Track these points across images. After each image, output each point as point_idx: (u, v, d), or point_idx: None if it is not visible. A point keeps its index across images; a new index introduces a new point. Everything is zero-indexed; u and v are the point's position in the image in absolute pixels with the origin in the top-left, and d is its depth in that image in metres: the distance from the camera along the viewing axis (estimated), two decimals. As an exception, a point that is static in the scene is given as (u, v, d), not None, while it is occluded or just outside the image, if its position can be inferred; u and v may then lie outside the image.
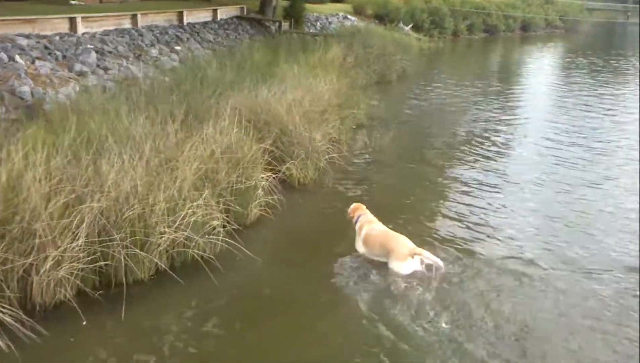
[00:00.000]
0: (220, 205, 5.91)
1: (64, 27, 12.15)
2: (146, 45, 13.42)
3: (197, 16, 17.70)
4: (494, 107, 14.19)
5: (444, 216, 7.10)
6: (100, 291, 4.86)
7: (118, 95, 9.27)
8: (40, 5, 13.92)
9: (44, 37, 11.21)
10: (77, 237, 4.67)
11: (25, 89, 8.46)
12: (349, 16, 29.76)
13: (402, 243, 5.54)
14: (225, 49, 15.86)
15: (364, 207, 6.08)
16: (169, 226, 5.18)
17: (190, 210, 5.35)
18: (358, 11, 31.68)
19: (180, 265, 5.36)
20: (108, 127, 6.52)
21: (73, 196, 4.92)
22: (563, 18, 42.32)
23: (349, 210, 6.12)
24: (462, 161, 9.38)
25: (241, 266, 5.47)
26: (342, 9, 30.58)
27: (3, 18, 10.84)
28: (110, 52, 11.94)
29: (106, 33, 13.02)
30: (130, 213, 5.02)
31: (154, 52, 13.19)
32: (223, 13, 19.40)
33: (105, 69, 10.88)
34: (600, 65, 24.05)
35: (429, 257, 5.40)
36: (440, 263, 5.40)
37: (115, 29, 13.58)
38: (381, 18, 30.61)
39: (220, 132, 6.54)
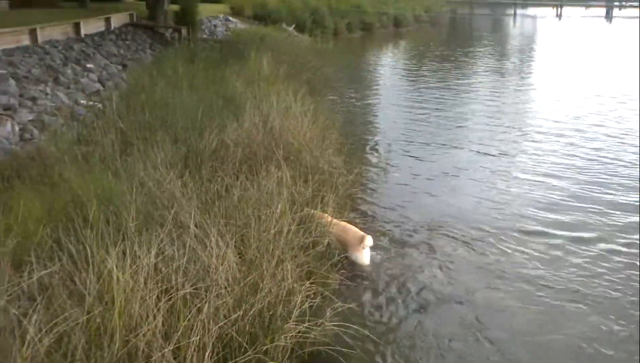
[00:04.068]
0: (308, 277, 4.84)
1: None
2: (57, 65, 11.47)
3: (92, 26, 15.69)
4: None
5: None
6: None
7: (79, 133, 7.74)
8: None
9: None
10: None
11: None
12: (230, 18, 28.48)
13: (352, 233, 5.64)
14: (136, 64, 14.18)
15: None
16: (289, 319, 4.07)
17: (304, 293, 4.28)
18: (236, 12, 30.42)
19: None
20: (128, 189, 5.16)
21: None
22: (428, 13, 44.09)
23: None
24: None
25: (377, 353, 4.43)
26: (219, 10, 29.11)
27: None
28: (25, 77, 9.97)
29: (9, 53, 10.94)
30: (253, 310, 3.86)
31: (69, 72, 11.32)
32: (115, 21, 17.45)
33: (33, 99, 9.02)
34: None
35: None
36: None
37: (17, 48, 11.49)
38: (262, 19, 29.61)
39: (278, 183, 5.40)
